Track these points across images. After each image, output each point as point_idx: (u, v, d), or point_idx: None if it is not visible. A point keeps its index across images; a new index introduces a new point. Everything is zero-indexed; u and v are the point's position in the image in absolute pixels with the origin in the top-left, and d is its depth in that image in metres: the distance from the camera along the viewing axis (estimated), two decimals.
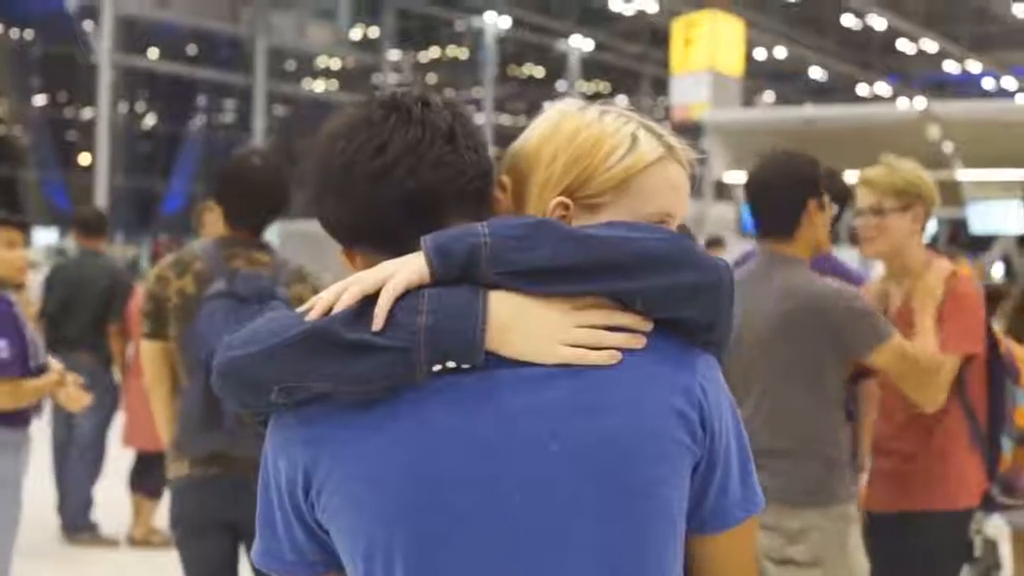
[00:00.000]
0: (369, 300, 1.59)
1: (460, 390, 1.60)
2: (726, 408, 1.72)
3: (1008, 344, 4.33)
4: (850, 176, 5.11)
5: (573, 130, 1.79)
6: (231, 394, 1.68)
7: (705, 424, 1.66)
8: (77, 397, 5.28)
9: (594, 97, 1.89)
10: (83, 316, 8.38)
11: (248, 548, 3.71)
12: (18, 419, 5.14)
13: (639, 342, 1.63)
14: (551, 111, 1.86)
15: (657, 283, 1.62)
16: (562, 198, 1.76)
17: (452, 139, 1.72)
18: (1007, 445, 4.18)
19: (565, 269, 1.60)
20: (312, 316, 1.61)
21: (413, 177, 1.69)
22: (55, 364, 5.33)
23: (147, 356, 4.49)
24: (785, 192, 3.89)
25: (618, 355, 1.62)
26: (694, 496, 1.68)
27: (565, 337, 1.61)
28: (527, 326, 1.61)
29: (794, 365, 3.81)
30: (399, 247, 1.67)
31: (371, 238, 1.74)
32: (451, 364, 1.59)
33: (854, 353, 3.81)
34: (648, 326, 1.64)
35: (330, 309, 1.60)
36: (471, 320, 1.58)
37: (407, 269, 1.60)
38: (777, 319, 3.79)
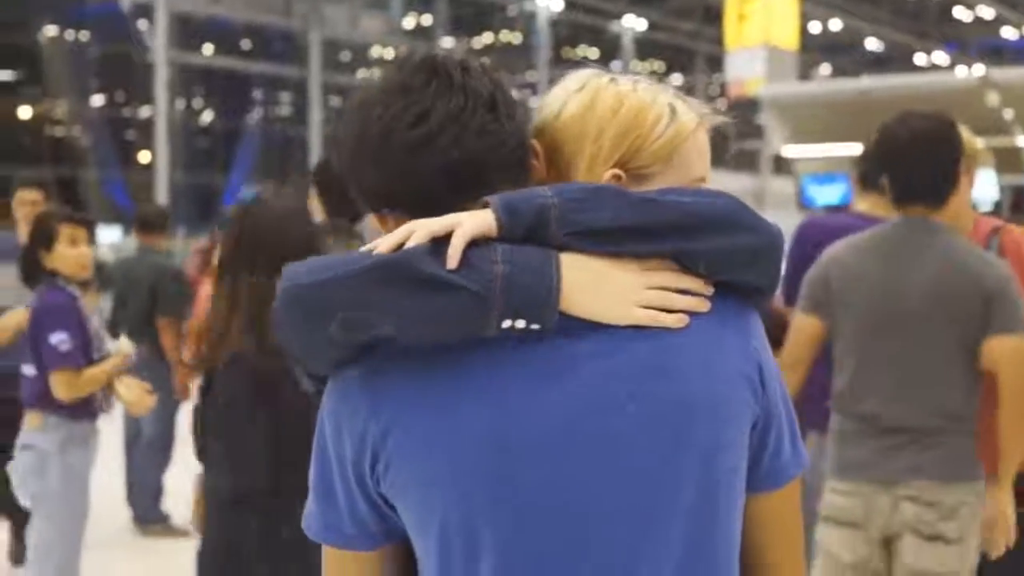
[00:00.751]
0: (440, 242, 1.56)
1: (533, 354, 1.59)
2: (774, 367, 1.73)
3: None
4: None
5: (614, 102, 1.79)
6: (291, 327, 1.61)
7: (764, 383, 1.68)
8: (140, 399, 5.39)
9: (650, 76, 1.88)
10: (136, 311, 8.56)
11: None
12: (84, 412, 5.28)
13: (705, 305, 1.64)
14: (573, 82, 1.85)
15: (720, 244, 1.63)
16: (615, 170, 1.76)
17: (494, 107, 1.70)
18: None
19: (632, 229, 1.60)
20: (381, 250, 1.57)
21: (457, 146, 1.66)
22: (124, 347, 5.49)
23: None
24: (937, 156, 3.79)
25: (687, 318, 1.62)
26: (753, 454, 1.69)
27: (637, 298, 1.61)
28: (600, 287, 1.60)
29: (950, 338, 3.76)
30: (439, 213, 1.64)
31: (410, 205, 1.70)
32: (521, 324, 1.57)
33: (993, 330, 3.73)
34: (711, 289, 1.65)
35: (400, 247, 1.57)
36: (546, 278, 1.57)
37: (475, 219, 1.58)
38: (932, 287, 3.72)
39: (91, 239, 5.57)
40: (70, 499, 5.24)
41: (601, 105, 1.78)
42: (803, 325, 4.03)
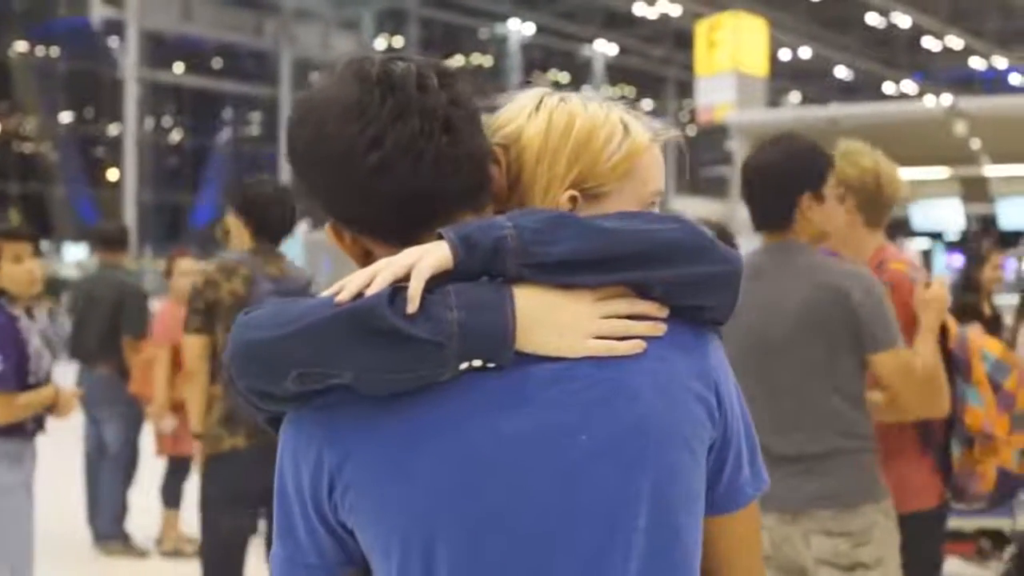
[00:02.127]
0: (398, 289, 1.54)
1: (488, 382, 1.58)
2: (735, 389, 1.73)
3: (965, 334, 4.17)
4: None
5: (566, 124, 1.77)
6: (243, 376, 1.60)
7: (721, 405, 1.68)
8: (66, 403, 5.25)
9: (619, 101, 1.86)
10: (97, 329, 8.48)
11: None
12: (16, 431, 5.09)
13: (660, 330, 1.64)
14: (528, 99, 1.83)
15: (679, 272, 1.62)
16: (571, 192, 1.75)
17: (450, 129, 1.64)
18: (956, 448, 4.04)
19: (590, 261, 1.59)
20: (341, 298, 1.55)
21: (413, 175, 1.62)
22: (63, 384, 5.29)
23: (194, 350, 5.19)
24: (774, 185, 3.76)
25: (643, 344, 1.62)
26: (710, 476, 1.69)
27: (592, 329, 1.60)
28: (553, 321, 1.59)
29: (825, 359, 3.70)
30: (401, 239, 1.63)
31: (370, 230, 1.69)
32: (478, 364, 1.57)
33: (867, 349, 3.69)
34: (665, 313, 1.64)
35: (360, 294, 1.55)
36: (501, 318, 1.56)
37: (432, 256, 1.56)
38: (801, 311, 3.68)
39: (36, 252, 5.38)
40: (7, 515, 5.06)
41: (554, 128, 1.77)
42: None
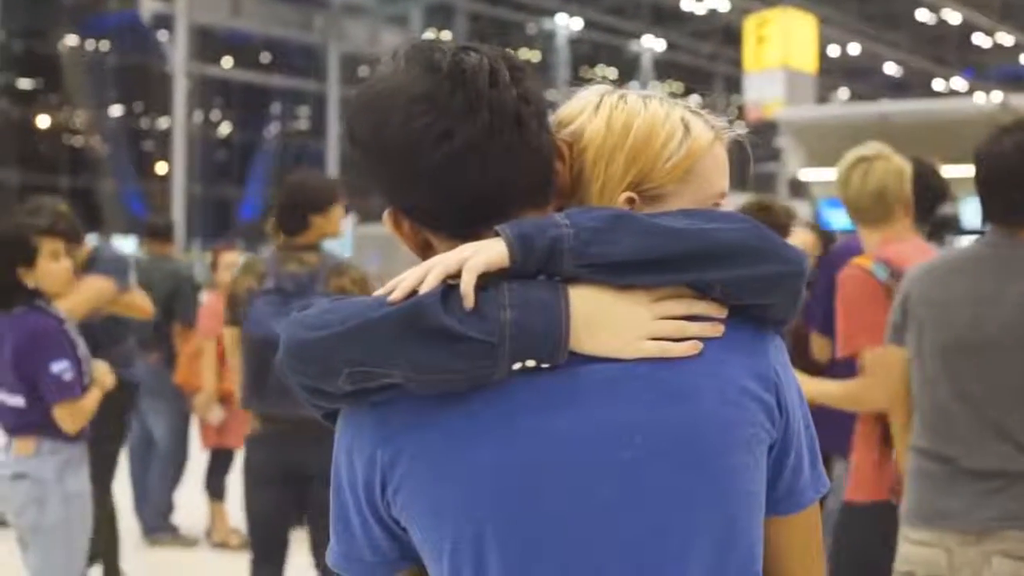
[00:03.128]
0: (452, 287, 1.53)
1: (541, 382, 1.56)
2: (796, 391, 1.70)
3: None
4: None
5: (624, 124, 1.74)
6: (295, 374, 1.61)
7: (781, 407, 1.65)
8: (102, 379, 5.14)
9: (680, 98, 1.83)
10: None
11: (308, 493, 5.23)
12: (79, 435, 4.98)
13: (717, 331, 1.61)
14: (591, 96, 1.80)
15: (739, 273, 1.59)
16: (628, 194, 1.72)
17: (520, 125, 1.62)
18: None
19: (648, 261, 1.56)
20: (395, 298, 1.54)
21: (479, 171, 1.60)
22: (102, 373, 5.20)
23: (229, 339, 5.56)
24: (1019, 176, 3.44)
25: (699, 345, 1.59)
26: (770, 478, 1.66)
27: (647, 331, 1.58)
28: (609, 323, 1.57)
29: None
30: (461, 232, 1.62)
31: (432, 222, 1.67)
32: (531, 364, 1.55)
33: None
34: (724, 313, 1.62)
35: (413, 292, 1.54)
36: (555, 319, 1.54)
37: (486, 252, 1.55)
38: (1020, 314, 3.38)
39: (70, 251, 5.24)
40: (71, 529, 4.97)
41: (613, 127, 1.74)
42: (894, 358, 3.72)
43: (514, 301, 1.53)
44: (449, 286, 1.53)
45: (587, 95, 1.81)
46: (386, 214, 1.72)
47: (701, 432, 1.57)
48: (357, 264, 5.79)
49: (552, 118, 1.76)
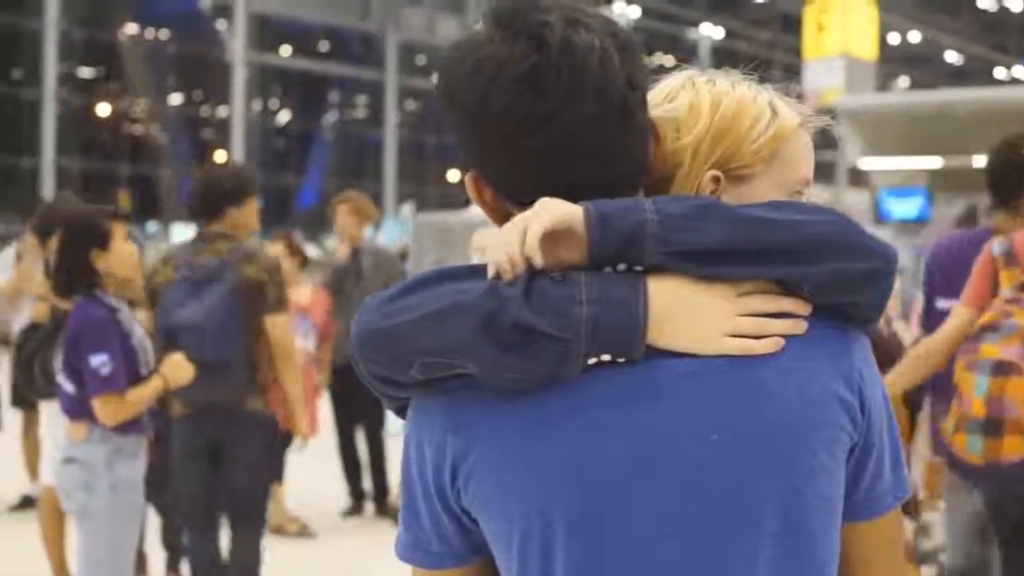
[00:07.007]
0: (533, 282, 1.49)
1: (618, 375, 1.54)
2: (880, 392, 1.65)
3: None
4: (981, 161, 4.91)
5: (711, 102, 1.73)
6: (367, 362, 1.59)
7: (864, 409, 1.60)
8: (175, 374, 5.13)
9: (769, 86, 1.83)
10: None
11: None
12: (132, 426, 4.97)
13: (801, 328, 1.56)
14: (678, 80, 1.79)
15: (830, 269, 1.55)
16: (714, 172, 1.70)
17: (624, 112, 1.58)
18: None
19: (737, 252, 1.52)
20: (491, 271, 1.51)
21: (578, 158, 1.57)
22: (178, 365, 5.17)
23: (149, 327, 5.57)
24: None
25: (782, 342, 1.54)
26: (849, 482, 1.62)
27: (729, 327, 1.53)
28: (689, 318, 1.53)
29: None
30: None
31: (517, 198, 1.62)
32: (607, 358, 1.52)
33: None
34: (808, 310, 1.57)
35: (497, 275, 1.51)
36: (634, 315, 1.51)
37: (557, 211, 1.51)
38: None
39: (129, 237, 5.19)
40: (118, 515, 4.97)
41: (700, 106, 1.73)
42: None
43: (590, 296, 1.50)
44: (530, 279, 1.50)
45: (677, 76, 1.80)
46: (468, 178, 1.68)
47: (779, 432, 1.54)
48: (267, 252, 6.25)
49: None
